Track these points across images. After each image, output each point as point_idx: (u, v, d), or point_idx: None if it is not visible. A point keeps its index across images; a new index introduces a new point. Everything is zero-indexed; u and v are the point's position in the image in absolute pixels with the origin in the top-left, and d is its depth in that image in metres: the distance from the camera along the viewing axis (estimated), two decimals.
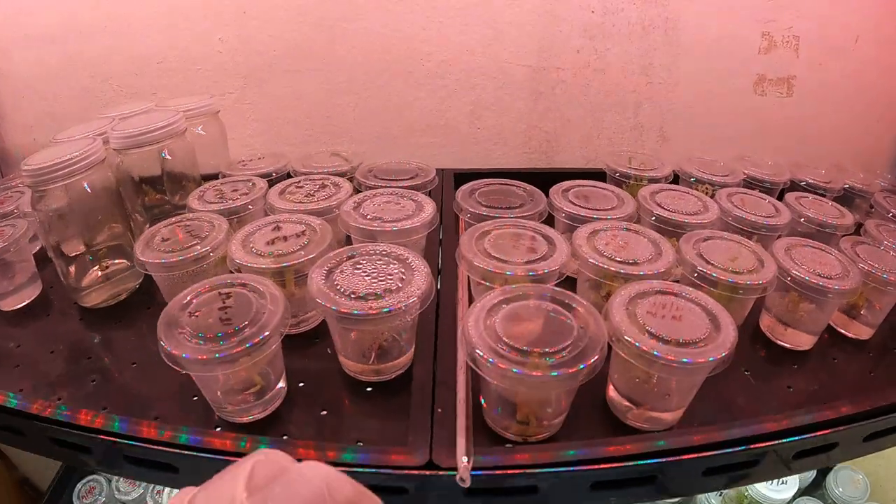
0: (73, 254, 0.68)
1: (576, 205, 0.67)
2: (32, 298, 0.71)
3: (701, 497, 1.05)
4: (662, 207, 0.67)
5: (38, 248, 0.76)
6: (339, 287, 0.52)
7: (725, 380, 0.59)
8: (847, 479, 1.11)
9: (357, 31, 0.80)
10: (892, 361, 0.66)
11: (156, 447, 0.47)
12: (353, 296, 0.51)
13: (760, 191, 0.81)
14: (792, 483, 0.95)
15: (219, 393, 0.51)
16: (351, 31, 0.80)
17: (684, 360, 0.46)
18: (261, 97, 0.83)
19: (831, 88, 0.97)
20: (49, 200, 0.64)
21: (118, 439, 0.48)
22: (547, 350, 0.45)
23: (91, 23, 0.82)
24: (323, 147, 0.82)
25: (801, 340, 0.65)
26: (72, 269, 0.68)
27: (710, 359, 0.46)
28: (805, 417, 0.51)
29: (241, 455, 0.44)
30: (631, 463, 0.47)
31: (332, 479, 0.28)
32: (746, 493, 0.95)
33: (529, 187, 0.72)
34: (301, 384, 0.57)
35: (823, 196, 0.84)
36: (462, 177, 0.78)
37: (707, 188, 0.77)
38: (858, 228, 0.76)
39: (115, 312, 0.68)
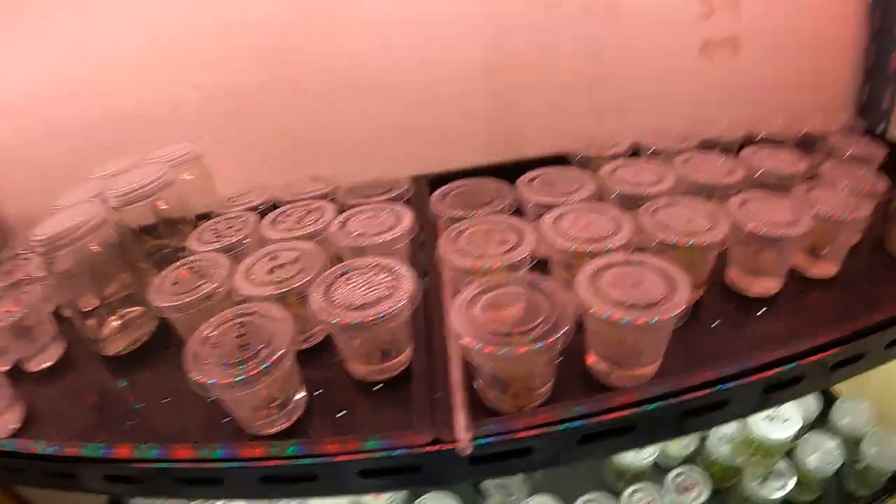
0: (88, 308, 0.77)
1: (541, 193, 0.77)
2: (57, 358, 0.80)
3: (711, 443, 1.15)
4: (622, 182, 0.77)
5: (52, 308, 0.84)
6: (337, 302, 0.62)
7: (698, 332, 0.70)
8: (852, 408, 1.21)
9: (317, 62, 0.90)
10: (856, 294, 0.76)
11: (200, 465, 0.58)
12: (350, 307, 0.61)
13: (720, 150, 0.91)
14: (795, 419, 1.06)
15: (246, 411, 0.61)
16: (311, 62, 0.90)
17: (643, 321, 0.56)
18: (236, 135, 0.93)
19: (778, 41, 1.06)
20: (60, 264, 0.74)
21: (165, 464, 0.58)
22: (525, 329, 0.56)
23: (68, 85, 0.91)
24: (301, 172, 0.92)
25: (767, 286, 0.75)
26: (90, 322, 0.78)
27: (672, 315, 0.56)
28: (768, 355, 0.61)
29: (276, 459, 0.55)
30: (612, 416, 0.57)
31: None
32: (753, 437, 1.05)
33: (497, 183, 0.82)
34: (316, 392, 0.67)
35: (781, 145, 0.94)
36: (435, 180, 0.88)
37: (667, 156, 0.87)
38: None
39: (138, 357, 0.78)
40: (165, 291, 0.70)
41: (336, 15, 0.89)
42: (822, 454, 1.14)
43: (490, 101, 0.97)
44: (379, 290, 0.63)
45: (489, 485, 1.14)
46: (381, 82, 0.93)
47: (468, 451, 0.53)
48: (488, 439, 0.55)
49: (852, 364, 0.65)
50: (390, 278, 0.65)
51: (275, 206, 0.86)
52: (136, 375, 0.76)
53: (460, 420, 0.55)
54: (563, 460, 0.59)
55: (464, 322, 0.57)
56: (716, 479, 1.16)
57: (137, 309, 0.81)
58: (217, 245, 0.78)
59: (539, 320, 0.56)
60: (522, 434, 0.55)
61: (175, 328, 0.72)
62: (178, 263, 0.75)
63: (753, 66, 1.07)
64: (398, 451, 0.55)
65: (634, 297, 0.58)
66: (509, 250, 0.67)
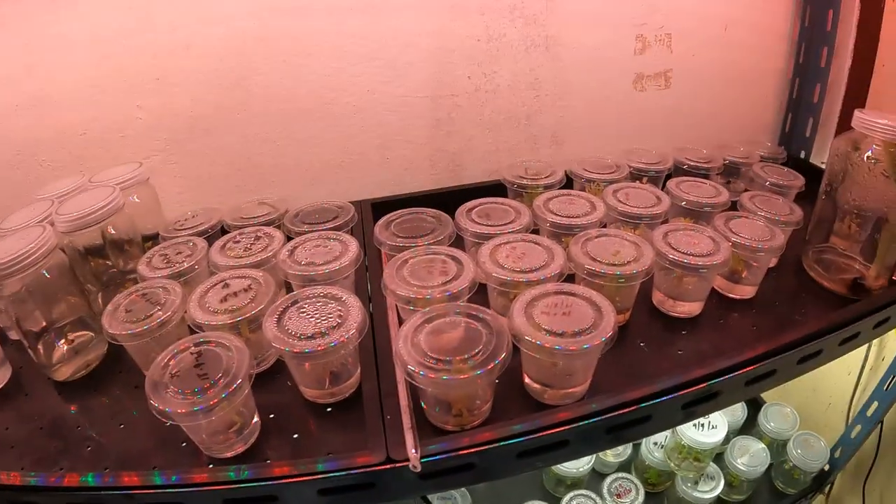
0: (37, 329, 0.79)
1: (478, 223, 0.84)
2: (5, 382, 0.81)
3: (644, 450, 1.25)
4: (554, 213, 0.85)
5: None
6: (289, 330, 0.67)
7: (626, 353, 0.78)
8: (777, 413, 1.33)
9: (268, 86, 0.94)
10: (771, 314, 0.85)
11: (162, 490, 0.61)
12: (302, 336, 0.66)
13: (648, 180, 1.00)
14: (721, 426, 1.16)
15: (204, 436, 0.66)
16: (262, 86, 0.94)
17: (573, 347, 0.63)
18: (184, 156, 0.97)
19: (707, 75, 1.17)
20: (8, 289, 0.75)
21: (129, 490, 0.61)
22: (465, 356, 0.62)
23: (12, 102, 0.92)
24: (249, 196, 0.97)
25: (689, 309, 0.84)
26: (39, 347, 0.79)
27: (599, 342, 0.63)
28: (687, 374, 0.68)
29: (233, 483, 0.60)
30: (547, 433, 0.64)
31: None
32: (683, 444, 1.15)
33: (437, 213, 0.88)
34: (272, 416, 0.72)
35: (707, 175, 1.03)
36: (378, 206, 0.94)
37: (598, 186, 0.95)
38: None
39: (90, 382, 0.80)
40: (119, 319, 0.73)
41: (287, 42, 0.94)
42: (751, 457, 1.25)
43: (432, 130, 1.04)
44: (329, 320, 0.68)
45: (435, 496, 1.21)
46: (330, 110, 0.98)
47: (418, 469, 0.59)
48: (435, 457, 0.60)
49: (766, 379, 0.74)
50: (339, 308, 0.70)
51: (223, 231, 0.89)
52: (90, 400, 0.77)
53: (409, 440, 0.61)
54: (503, 473, 0.66)
55: (408, 350, 0.63)
56: (650, 483, 1.26)
57: (87, 333, 0.83)
58: (168, 271, 0.81)
59: (479, 348, 0.63)
60: (467, 451, 0.61)
61: (127, 353, 0.75)
62: (130, 290, 0.78)
63: (683, 98, 1.17)
64: (354, 471, 0.60)
65: (564, 325, 0.65)
66: (450, 280, 0.73)
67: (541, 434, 0.63)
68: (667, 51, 1.11)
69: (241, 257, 0.83)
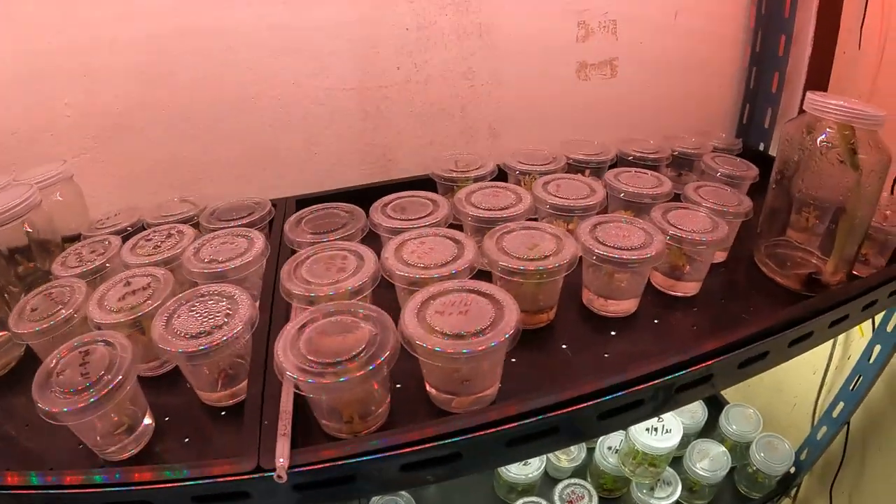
0: None
1: (392, 218, 0.74)
2: None
3: (598, 455, 1.12)
4: (476, 207, 0.74)
5: None
6: (176, 330, 0.59)
7: (545, 356, 0.67)
8: (739, 415, 1.20)
9: (191, 80, 0.86)
10: (713, 313, 0.74)
11: (38, 492, 0.53)
12: (187, 336, 0.58)
13: (591, 172, 0.88)
14: (676, 430, 1.04)
15: (98, 438, 0.58)
16: (185, 80, 0.86)
17: (464, 350, 0.53)
18: (112, 154, 0.88)
19: (657, 63, 1.05)
20: None
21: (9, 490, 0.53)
22: (342, 359, 0.53)
23: None
24: (179, 193, 0.88)
25: (622, 307, 0.73)
26: None
27: (492, 344, 0.53)
28: (599, 382, 0.57)
29: (105, 487, 0.51)
30: (431, 444, 0.53)
31: None
32: (636, 447, 1.02)
33: (352, 208, 0.79)
34: (167, 418, 0.64)
35: (655, 167, 0.91)
36: (303, 202, 0.85)
37: (533, 178, 0.84)
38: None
39: (9, 381, 0.73)
40: (25, 318, 0.67)
41: (210, 36, 0.85)
42: (711, 461, 1.13)
43: (361, 123, 0.94)
44: (216, 319, 0.60)
45: (377, 500, 1.09)
46: (255, 104, 0.89)
47: (283, 479, 0.50)
48: (306, 467, 0.51)
49: (700, 385, 0.62)
50: (229, 306, 0.62)
51: (143, 229, 0.81)
52: (7, 400, 0.70)
53: (280, 448, 0.51)
54: (388, 487, 0.56)
55: (286, 353, 0.54)
56: (606, 489, 1.14)
57: (5, 334, 0.75)
58: (79, 270, 0.74)
59: (361, 349, 0.54)
60: (341, 462, 0.52)
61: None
62: (39, 289, 0.71)
63: (631, 88, 1.06)
64: (221, 479, 0.51)
65: (460, 325, 0.55)
66: (347, 277, 0.63)
67: (428, 446, 0.53)
68: (612, 38, 1.00)
69: (149, 255, 0.75)
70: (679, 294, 0.77)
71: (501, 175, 0.88)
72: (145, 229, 0.82)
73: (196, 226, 0.81)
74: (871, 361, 1.00)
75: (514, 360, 0.65)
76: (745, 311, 0.74)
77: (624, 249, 0.67)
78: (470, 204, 0.75)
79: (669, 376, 0.59)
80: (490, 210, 0.74)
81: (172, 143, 0.89)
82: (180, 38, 0.84)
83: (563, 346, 0.68)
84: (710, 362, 0.60)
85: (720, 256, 0.83)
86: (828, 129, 0.71)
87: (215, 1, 0.83)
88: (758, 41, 1.09)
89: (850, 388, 1.04)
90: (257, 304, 0.65)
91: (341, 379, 0.51)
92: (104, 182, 0.90)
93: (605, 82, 1.03)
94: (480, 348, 0.53)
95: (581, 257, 0.67)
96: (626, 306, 0.73)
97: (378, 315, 0.57)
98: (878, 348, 0.99)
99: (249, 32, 0.85)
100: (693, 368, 0.60)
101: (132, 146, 0.88)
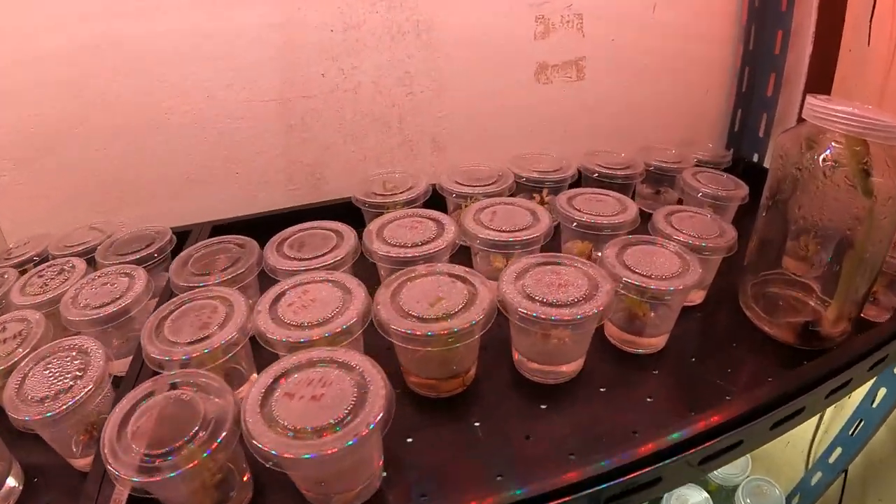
0: None
1: (288, 257, 0.54)
2: None
3: None
4: (386, 243, 0.54)
5: None
6: (26, 393, 0.44)
7: (452, 434, 0.48)
8: None
9: (105, 96, 0.67)
10: (681, 378, 0.52)
11: None
12: (34, 400, 0.43)
13: (549, 192, 0.67)
14: None
15: None
16: (99, 96, 0.67)
17: (305, 455, 0.34)
18: (32, 176, 0.71)
19: (631, 65, 0.81)
20: None
21: None
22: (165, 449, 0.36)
23: None
24: (103, 217, 0.70)
25: (561, 371, 0.52)
26: None
27: (350, 442, 0.34)
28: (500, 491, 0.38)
29: None
30: None
31: None
32: None
33: (245, 241, 0.59)
34: (35, 479, 0.48)
35: (625, 185, 0.70)
36: (221, 229, 0.66)
37: (476, 199, 0.63)
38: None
39: None
40: None
41: (121, 47, 0.66)
42: None
43: (284, 138, 0.73)
44: (64, 381, 0.45)
45: None
46: (169, 119, 0.69)
47: None
48: None
49: (642, 491, 0.42)
50: (80, 364, 0.46)
51: (46, 260, 0.64)
52: None
53: None
54: None
55: (113, 443, 0.37)
56: None
57: None
58: None
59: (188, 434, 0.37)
60: None
61: None
62: None
63: (601, 91, 0.81)
64: None
65: (309, 417, 0.36)
66: (207, 336, 0.45)
67: None
68: (577, 34, 0.76)
69: (35, 295, 0.58)
70: (642, 352, 0.55)
71: (437, 197, 0.67)
72: (46, 261, 0.66)
73: (92, 260, 0.63)
74: (874, 405, 0.76)
75: (409, 439, 0.46)
76: (720, 375, 0.52)
77: (555, 306, 0.45)
78: (380, 239, 0.55)
79: (595, 488, 0.38)
80: (402, 247, 0.54)
81: (89, 163, 0.70)
82: (91, 51, 0.65)
83: (476, 424, 0.48)
84: (657, 465, 0.40)
85: (696, 297, 0.61)
86: (833, 144, 0.49)
87: (127, 10, 0.64)
88: (751, 38, 0.84)
89: (850, 433, 0.80)
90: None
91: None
92: (26, 206, 0.72)
93: (569, 85, 0.79)
94: (329, 452, 0.34)
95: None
96: (566, 369, 0.51)
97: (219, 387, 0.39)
98: (882, 392, 0.75)
99: (163, 41, 0.65)
100: (632, 475, 0.39)
101: (50, 167, 0.70)
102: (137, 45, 0.66)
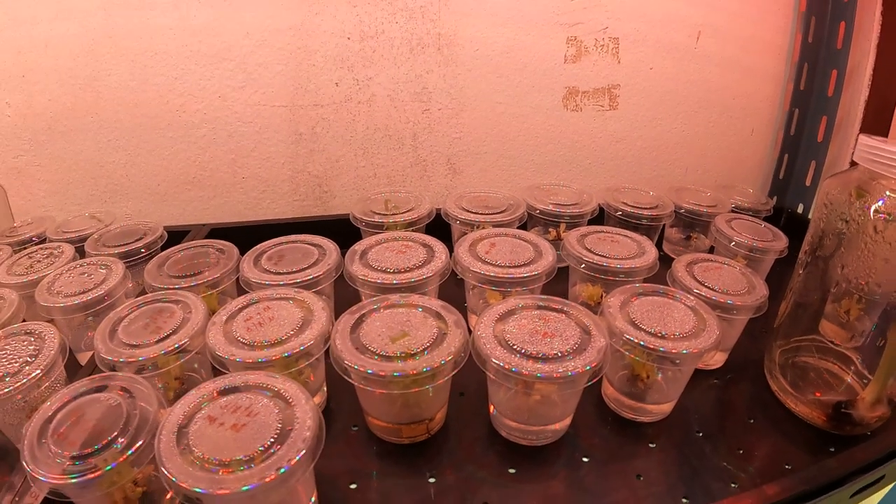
0: None
1: (265, 270, 0.50)
2: None
3: None
4: (371, 267, 0.48)
5: None
6: None
7: (404, 491, 0.41)
8: None
9: (116, 88, 0.66)
10: (681, 457, 0.44)
11: None
12: None
13: (567, 228, 0.60)
14: None
15: None
16: (111, 87, 0.66)
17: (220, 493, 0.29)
18: (46, 159, 0.70)
19: (670, 97, 0.73)
20: None
21: None
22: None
23: None
24: (103, 206, 0.69)
25: (542, 431, 0.44)
26: None
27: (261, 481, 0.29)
28: None
29: None
30: None
31: None
32: None
33: (226, 246, 0.55)
34: None
35: (651, 227, 0.62)
36: (217, 231, 0.63)
37: (483, 227, 0.57)
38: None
39: None
40: None
41: (133, 39, 0.65)
42: None
43: (292, 147, 0.70)
44: (12, 365, 0.42)
45: None
46: (179, 117, 0.67)
47: None
48: None
49: None
50: (35, 349, 0.43)
51: (43, 242, 0.63)
52: None
53: None
54: None
55: (33, 447, 0.34)
56: None
57: None
58: None
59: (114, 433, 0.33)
60: None
61: None
62: None
63: (634, 123, 0.73)
64: None
65: (224, 449, 0.31)
66: (164, 338, 0.41)
67: None
68: (612, 60, 0.70)
69: (20, 275, 0.56)
70: (641, 419, 0.47)
71: (443, 223, 0.61)
72: (44, 243, 0.64)
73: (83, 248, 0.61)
74: None
75: (353, 485, 0.40)
76: (728, 456, 0.43)
77: (539, 360, 0.38)
78: (363, 261, 0.49)
79: None
80: (383, 272, 0.48)
81: (97, 153, 0.68)
82: (105, 40, 0.64)
83: (430, 479, 0.41)
84: None
85: (716, 360, 0.53)
86: (888, 194, 0.41)
87: (138, 1, 0.63)
88: (802, 77, 0.76)
89: None
90: None
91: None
92: (39, 187, 0.72)
93: (600, 114, 0.72)
94: (220, 493, 0.29)
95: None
96: (547, 429, 0.44)
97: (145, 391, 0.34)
98: None
99: (173, 37, 0.64)
100: None
101: (61, 152, 0.70)
102: (152, 39, 0.64)
